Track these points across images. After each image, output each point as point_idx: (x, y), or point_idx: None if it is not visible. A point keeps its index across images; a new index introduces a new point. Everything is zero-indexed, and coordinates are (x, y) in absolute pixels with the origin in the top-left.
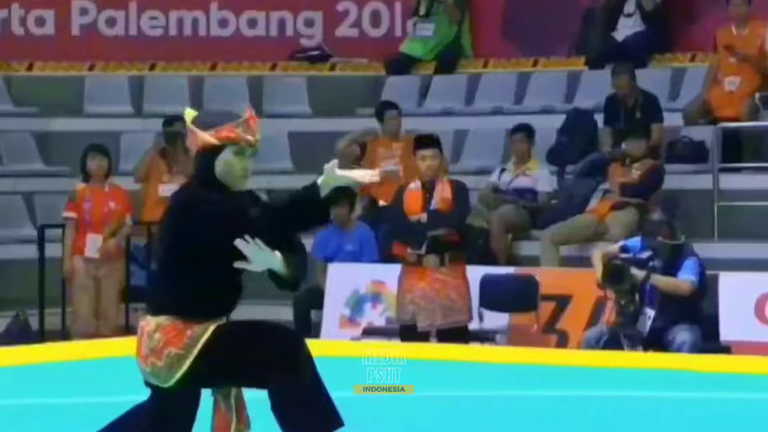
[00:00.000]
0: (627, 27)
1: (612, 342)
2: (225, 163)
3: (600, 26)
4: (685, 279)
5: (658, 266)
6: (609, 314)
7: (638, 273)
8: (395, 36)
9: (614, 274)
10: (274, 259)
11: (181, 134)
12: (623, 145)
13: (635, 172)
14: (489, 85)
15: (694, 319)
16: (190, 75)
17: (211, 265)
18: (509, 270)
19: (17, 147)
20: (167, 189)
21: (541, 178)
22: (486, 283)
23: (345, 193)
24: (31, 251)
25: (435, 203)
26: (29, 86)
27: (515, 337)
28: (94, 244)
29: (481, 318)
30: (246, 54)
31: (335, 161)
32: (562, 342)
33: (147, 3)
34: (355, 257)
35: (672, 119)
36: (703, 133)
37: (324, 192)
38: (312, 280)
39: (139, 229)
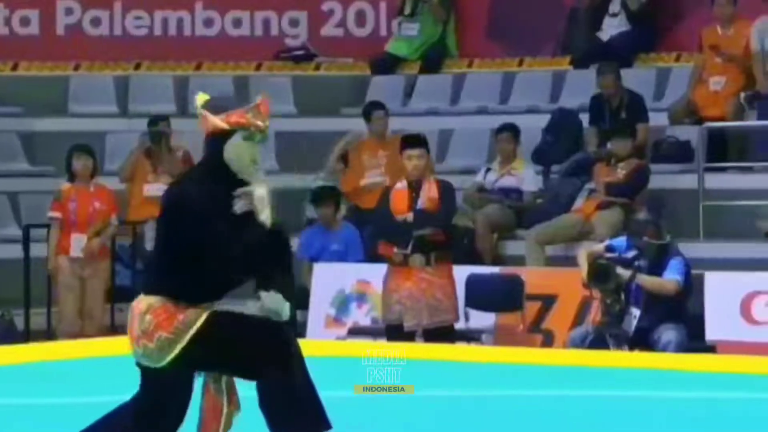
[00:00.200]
0: (612, 27)
1: (597, 341)
2: (234, 148)
3: (585, 26)
4: (671, 278)
5: (643, 266)
6: (594, 314)
7: (624, 272)
8: (380, 36)
9: (600, 273)
10: (284, 306)
11: (166, 134)
12: (608, 145)
13: (620, 172)
14: (474, 85)
15: (680, 319)
16: (175, 75)
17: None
18: (495, 270)
19: (2, 147)
20: (152, 189)
21: (526, 177)
22: (471, 282)
23: (330, 194)
24: (16, 251)
25: (421, 203)
26: (14, 86)
27: (501, 336)
28: (78, 243)
29: (466, 318)
30: (231, 54)
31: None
32: (548, 341)
33: (132, 3)
34: (341, 257)
35: (657, 119)
36: (689, 133)
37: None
38: (297, 279)
39: (125, 229)
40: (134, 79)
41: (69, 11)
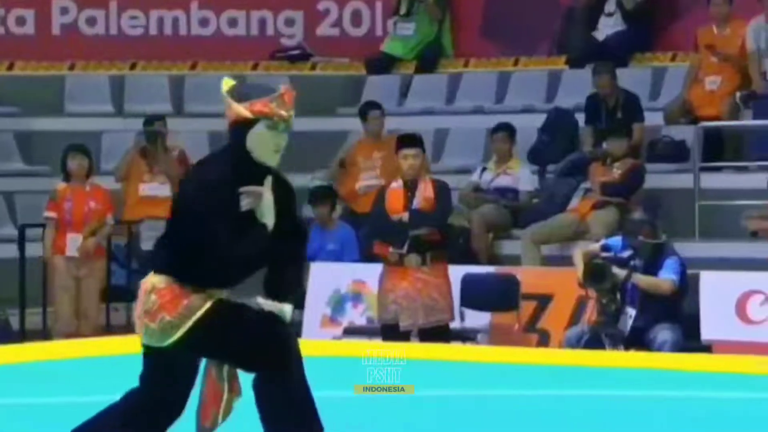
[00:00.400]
0: (608, 26)
1: (593, 341)
2: (257, 137)
3: (581, 25)
4: (666, 278)
5: (639, 265)
6: (590, 313)
7: (619, 272)
8: (376, 35)
9: (595, 273)
10: (286, 309)
11: (162, 133)
12: (604, 145)
13: (616, 172)
14: (470, 85)
15: (675, 319)
16: (170, 74)
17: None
18: (490, 269)
19: None
20: (148, 188)
21: (522, 177)
22: (467, 282)
23: (327, 193)
24: (11, 251)
25: (417, 203)
26: (9, 86)
27: (496, 336)
28: (74, 243)
29: (462, 317)
30: (227, 53)
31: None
32: (544, 341)
33: (127, 2)
34: (337, 257)
35: (653, 118)
36: (684, 133)
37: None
38: None
39: (120, 229)
40: (130, 78)
41: (64, 11)
